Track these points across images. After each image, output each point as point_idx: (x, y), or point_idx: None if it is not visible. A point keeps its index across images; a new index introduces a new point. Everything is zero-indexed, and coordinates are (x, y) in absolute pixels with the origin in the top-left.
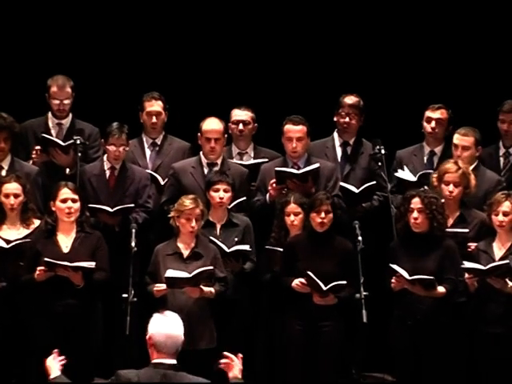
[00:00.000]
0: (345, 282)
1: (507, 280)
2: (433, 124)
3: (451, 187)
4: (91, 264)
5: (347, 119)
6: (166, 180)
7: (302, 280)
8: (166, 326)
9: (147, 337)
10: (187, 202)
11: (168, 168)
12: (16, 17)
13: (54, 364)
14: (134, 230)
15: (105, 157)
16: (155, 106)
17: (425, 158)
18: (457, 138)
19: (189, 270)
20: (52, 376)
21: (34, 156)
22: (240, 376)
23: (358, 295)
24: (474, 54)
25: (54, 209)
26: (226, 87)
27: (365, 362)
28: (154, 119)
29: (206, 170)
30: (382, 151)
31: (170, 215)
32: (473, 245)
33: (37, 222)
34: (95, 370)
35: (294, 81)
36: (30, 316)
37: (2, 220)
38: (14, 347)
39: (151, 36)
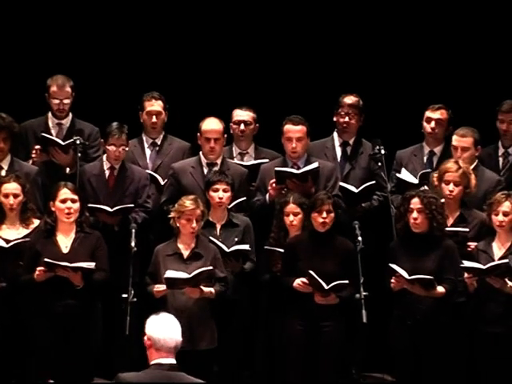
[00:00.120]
0: (347, 282)
1: (506, 280)
2: (432, 124)
3: (451, 186)
4: (91, 265)
5: (347, 119)
6: (166, 180)
7: (304, 279)
8: (162, 326)
9: (145, 338)
10: (188, 202)
11: (168, 168)
12: (16, 17)
13: None
14: (133, 230)
15: (104, 157)
16: (155, 105)
17: (424, 158)
18: (455, 140)
19: (189, 271)
20: None
21: (33, 155)
22: None
23: (357, 295)
24: (473, 55)
25: (53, 209)
26: (225, 87)
27: (365, 362)
28: (154, 119)
29: (205, 170)
30: (382, 151)
31: (170, 216)
32: (472, 244)
33: (36, 222)
34: (95, 369)
35: (294, 81)
36: (29, 316)
37: (1, 220)
38: (13, 347)
39: (151, 36)
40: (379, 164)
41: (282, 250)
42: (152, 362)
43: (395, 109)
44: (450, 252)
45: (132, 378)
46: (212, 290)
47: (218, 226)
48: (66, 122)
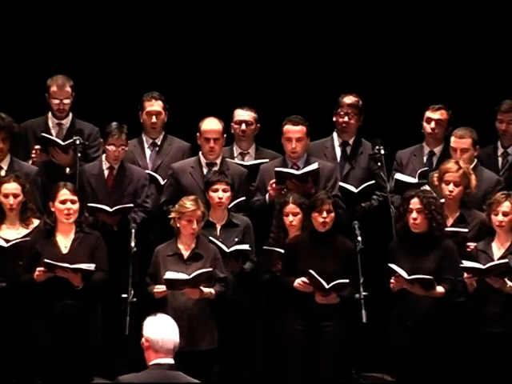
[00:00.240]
0: (347, 281)
1: (506, 279)
2: (432, 125)
3: (451, 187)
4: (91, 266)
5: (346, 119)
6: (166, 180)
7: (304, 279)
8: (160, 326)
9: (143, 340)
10: (188, 203)
11: (168, 168)
12: (16, 17)
13: None
14: (133, 230)
15: (103, 156)
16: (155, 105)
17: (424, 158)
18: (454, 142)
19: (189, 271)
20: None
21: (33, 156)
22: None
23: (357, 295)
24: (472, 55)
25: (53, 209)
26: (225, 87)
27: (364, 362)
28: (154, 119)
29: (205, 170)
30: (382, 151)
31: (170, 216)
32: (472, 245)
33: (36, 222)
34: (95, 370)
35: (294, 81)
36: (29, 316)
37: (1, 220)
38: (13, 347)
39: (151, 36)
40: (379, 164)
41: (281, 250)
42: (151, 363)
43: (395, 109)
44: (450, 252)
45: (132, 379)
46: (212, 290)
47: (218, 226)
48: (66, 122)
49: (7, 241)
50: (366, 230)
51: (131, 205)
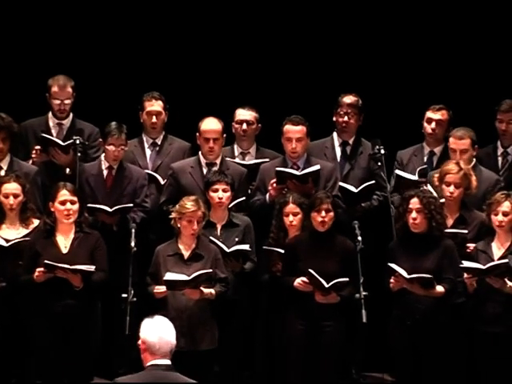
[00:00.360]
0: (347, 280)
1: (506, 280)
2: (433, 125)
3: (452, 188)
4: (90, 268)
5: (346, 118)
6: (166, 180)
7: (304, 279)
8: (157, 328)
9: (140, 342)
10: (189, 204)
11: (168, 168)
12: (16, 17)
13: None
14: (133, 230)
15: (102, 156)
16: (155, 105)
17: (425, 159)
18: (453, 143)
19: (189, 272)
20: None
21: (33, 156)
22: None
23: (357, 295)
24: (472, 55)
25: (52, 210)
26: (225, 87)
27: (364, 362)
28: (154, 119)
29: (204, 170)
30: (382, 151)
31: (171, 216)
32: (471, 245)
33: (36, 222)
34: (95, 369)
35: (294, 81)
36: (29, 316)
37: (1, 220)
38: (13, 347)
39: (151, 36)
40: (379, 164)
41: (280, 251)
42: (148, 364)
43: (395, 109)
44: (450, 252)
45: (129, 381)
46: (212, 291)
47: (219, 226)
48: (67, 122)
49: (7, 241)
50: (365, 229)
51: (130, 205)
